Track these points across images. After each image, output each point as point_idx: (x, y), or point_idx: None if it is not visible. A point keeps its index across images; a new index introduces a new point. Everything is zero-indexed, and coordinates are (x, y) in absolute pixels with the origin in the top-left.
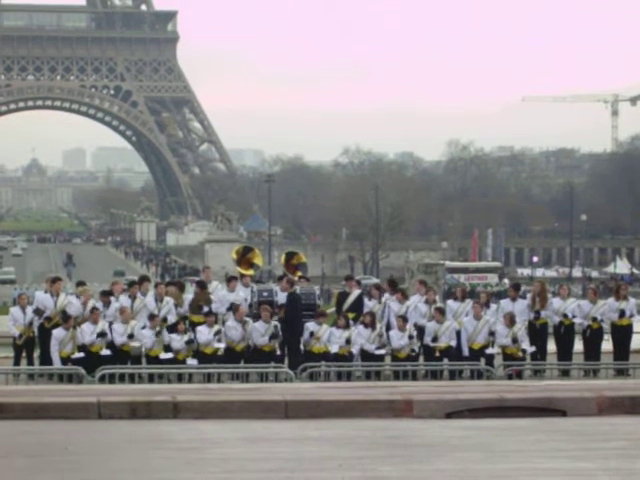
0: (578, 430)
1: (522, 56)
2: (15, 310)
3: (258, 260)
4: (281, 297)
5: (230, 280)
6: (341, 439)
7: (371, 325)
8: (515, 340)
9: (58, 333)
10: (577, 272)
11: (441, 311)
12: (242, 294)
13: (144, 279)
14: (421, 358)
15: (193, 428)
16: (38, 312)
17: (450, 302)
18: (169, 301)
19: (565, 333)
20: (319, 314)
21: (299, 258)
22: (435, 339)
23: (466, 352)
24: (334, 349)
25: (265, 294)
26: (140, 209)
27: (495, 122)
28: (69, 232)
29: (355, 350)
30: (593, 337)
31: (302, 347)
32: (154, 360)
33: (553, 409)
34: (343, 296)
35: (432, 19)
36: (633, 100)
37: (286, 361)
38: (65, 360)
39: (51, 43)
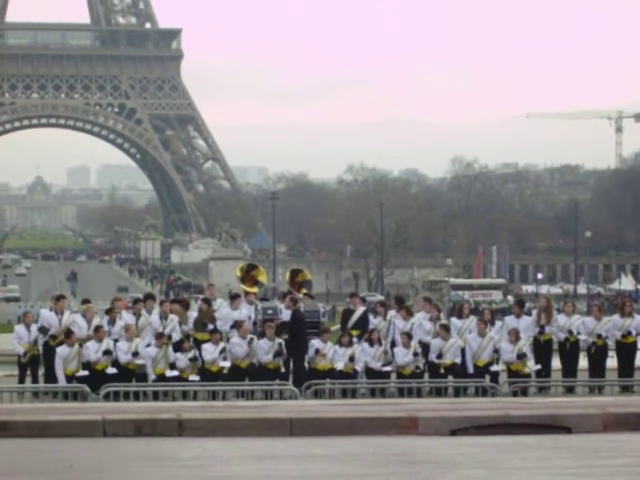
0: (583, 447)
1: (526, 72)
2: (20, 328)
3: (262, 278)
4: (285, 314)
5: (233, 298)
6: (346, 457)
7: (377, 342)
8: (520, 356)
9: (62, 351)
10: (582, 289)
11: (446, 328)
12: (245, 311)
13: (149, 297)
14: (426, 375)
15: (198, 446)
16: (43, 330)
17: (454, 319)
18: (174, 319)
19: (570, 350)
20: (323, 331)
21: (304, 275)
22: (440, 356)
23: (471, 369)
24: (339, 366)
25: (270, 312)
26: (144, 227)
27: (499, 138)
28: (73, 250)
29: (359, 367)
30: (598, 354)
31: (307, 364)
32: (159, 378)
33: (558, 426)
34: (348, 313)
35: (437, 35)
36: (637, 117)
37: (291, 378)
38: (70, 378)
39: (55, 61)
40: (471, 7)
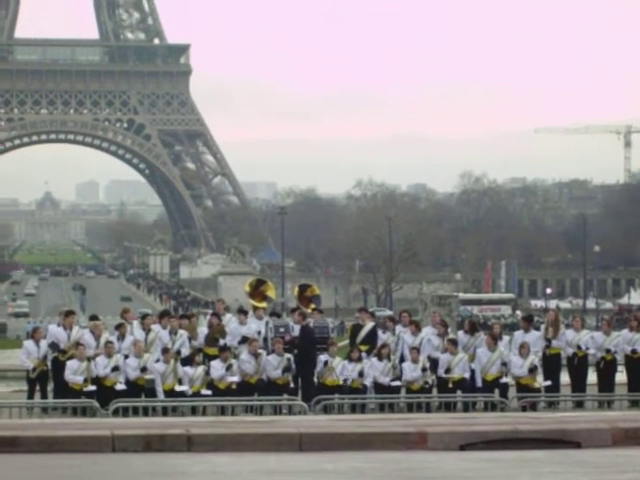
0: (593, 462)
1: (535, 86)
2: (29, 343)
3: (271, 293)
4: (296, 330)
5: (239, 313)
6: (355, 472)
7: (386, 357)
8: (532, 370)
9: (72, 364)
10: (591, 303)
11: (454, 343)
12: (254, 327)
13: (165, 314)
14: (434, 390)
15: (207, 461)
16: (54, 346)
17: (460, 334)
18: (183, 334)
19: (579, 365)
20: (329, 344)
21: (312, 290)
22: (448, 371)
23: (479, 383)
24: (348, 379)
25: (282, 329)
26: (153, 242)
27: (507, 153)
28: (83, 265)
29: (368, 382)
30: (607, 369)
31: (316, 380)
32: (168, 393)
33: (567, 441)
34: (357, 328)
35: (445, 50)
36: None
37: (300, 394)
38: (77, 392)
39: (64, 77)
40: (480, 22)
